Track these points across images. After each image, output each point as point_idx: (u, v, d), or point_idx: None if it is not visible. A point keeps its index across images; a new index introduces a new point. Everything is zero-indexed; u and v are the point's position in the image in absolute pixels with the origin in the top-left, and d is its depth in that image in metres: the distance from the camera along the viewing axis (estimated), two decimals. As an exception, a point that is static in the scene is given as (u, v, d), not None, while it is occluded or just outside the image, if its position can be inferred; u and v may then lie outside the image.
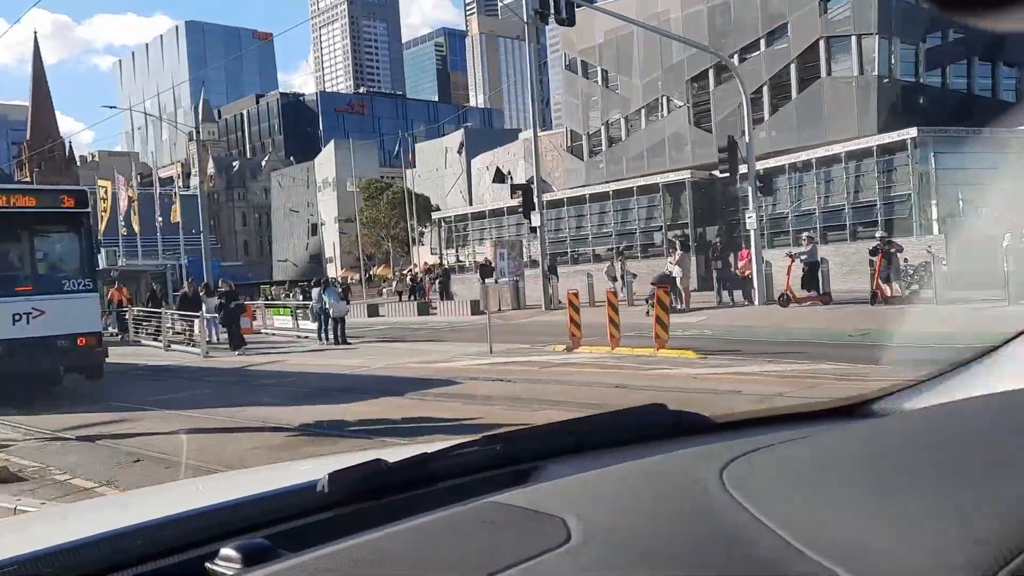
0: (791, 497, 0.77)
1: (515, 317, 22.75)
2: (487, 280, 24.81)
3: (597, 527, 0.81)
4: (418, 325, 23.05)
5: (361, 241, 56.99)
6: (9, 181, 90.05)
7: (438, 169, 73.09)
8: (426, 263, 56.33)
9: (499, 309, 25.47)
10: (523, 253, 29.88)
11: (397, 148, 59.99)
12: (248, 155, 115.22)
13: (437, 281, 29.41)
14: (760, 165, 26.92)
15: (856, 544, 0.65)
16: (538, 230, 23.68)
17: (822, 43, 30.04)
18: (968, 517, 0.62)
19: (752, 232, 18.01)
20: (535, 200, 23.61)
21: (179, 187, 47.13)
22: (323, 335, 18.71)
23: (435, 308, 27.66)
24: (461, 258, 37.76)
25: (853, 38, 29.06)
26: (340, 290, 19.53)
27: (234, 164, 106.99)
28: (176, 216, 43.66)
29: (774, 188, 24.91)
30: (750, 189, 18.21)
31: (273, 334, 22.32)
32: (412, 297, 31.75)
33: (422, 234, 59.21)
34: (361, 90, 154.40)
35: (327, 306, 18.09)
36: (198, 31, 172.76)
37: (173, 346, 19.28)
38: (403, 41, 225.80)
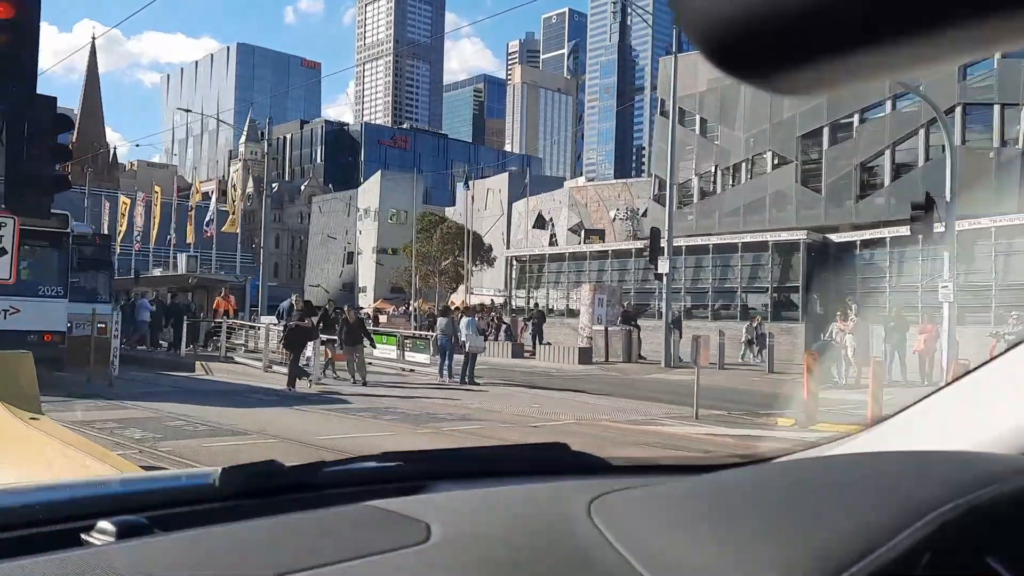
0: (647, 531, 0.83)
1: (632, 372, 20.56)
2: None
3: (456, 534, 0.87)
4: (526, 369, 20.84)
5: (415, 274, 55.05)
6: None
7: (479, 210, 71.69)
8: (476, 303, 54.78)
9: (606, 360, 23.38)
10: (621, 300, 27.81)
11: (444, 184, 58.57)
12: (288, 179, 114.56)
13: (531, 323, 27.29)
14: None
15: (690, 569, 0.73)
16: (664, 278, 21.61)
17: (959, 109, 28.22)
18: (783, 547, 0.71)
19: (946, 306, 15.84)
20: (663, 245, 21.58)
21: (217, 203, 46.10)
22: (444, 371, 16.56)
23: (529, 351, 25.52)
24: (533, 300, 35.70)
25: (996, 106, 27.23)
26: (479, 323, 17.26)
27: (274, 186, 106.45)
28: (236, 228, 42.26)
29: (974, 255, 22.61)
30: (946, 254, 16.11)
31: (369, 363, 20.19)
32: (502, 338, 29.58)
33: (471, 272, 57.54)
34: (405, 125, 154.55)
35: (463, 339, 15.95)
36: (249, 53, 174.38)
37: (274, 367, 17.18)
38: (443, 84, 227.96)
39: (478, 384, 15.85)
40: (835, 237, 28.52)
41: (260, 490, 1.12)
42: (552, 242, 54.91)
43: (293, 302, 19.44)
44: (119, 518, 0.92)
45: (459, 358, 16.49)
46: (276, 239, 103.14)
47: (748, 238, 29.57)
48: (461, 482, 1.21)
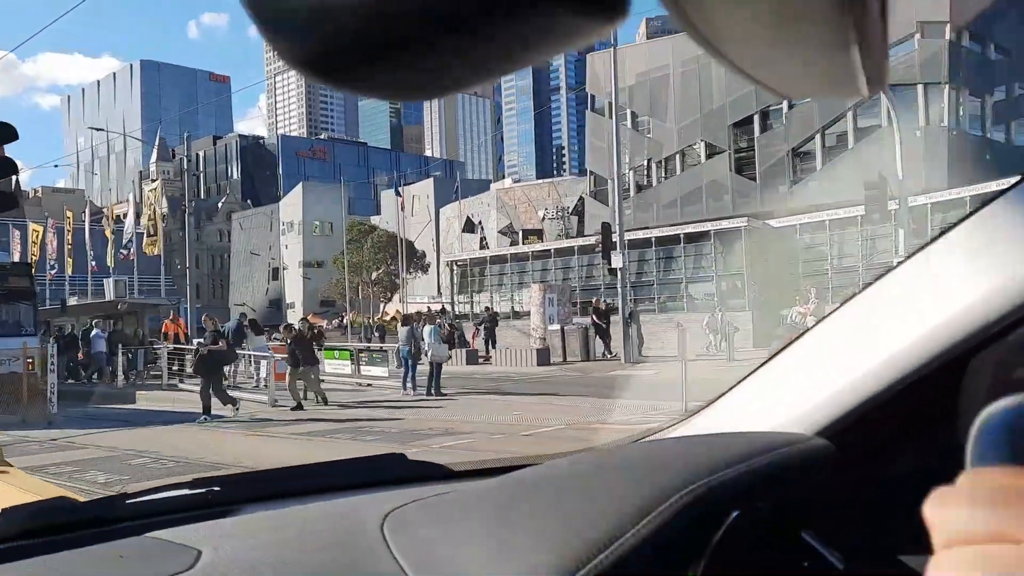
0: (428, 540, 0.83)
1: (594, 370, 20.20)
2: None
3: (228, 559, 0.84)
4: (485, 375, 20.28)
5: (348, 285, 53.80)
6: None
7: (406, 217, 70.86)
8: (402, 311, 53.82)
9: (564, 360, 22.99)
10: (571, 299, 27.51)
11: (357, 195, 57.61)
12: (204, 196, 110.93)
13: (483, 328, 26.69)
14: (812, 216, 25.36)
15: (465, 573, 0.73)
16: (619, 272, 21.35)
17: (883, 93, 28.86)
18: (534, 550, 0.72)
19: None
20: (615, 239, 21.33)
21: (135, 225, 44.16)
22: (408, 384, 15.83)
23: (483, 357, 24.95)
24: (481, 304, 35.10)
25: (919, 87, 27.95)
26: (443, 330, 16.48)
27: (191, 203, 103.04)
28: (157, 250, 40.48)
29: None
30: (901, 231, 16.23)
31: (321, 379, 19.29)
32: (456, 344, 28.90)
33: (405, 280, 56.72)
34: (323, 136, 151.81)
35: (425, 348, 15.23)
36: (153, 70, 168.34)
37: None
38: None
39: (445, 395, 15.20)
40: (774, 223, 28.84)
41: (47, 528, 1.03)
42: (483, 245, 54.48)
43: (242, 320, 18.45)
44: None
45: (422, 369, 15.82)
46: (196, 259, 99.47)
47: (690, 228, 29.65)
48: (273, 503, 1.15)
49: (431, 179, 79.08)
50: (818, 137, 30.46)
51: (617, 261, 21.19)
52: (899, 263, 0.96)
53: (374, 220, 70.66)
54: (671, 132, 34.85)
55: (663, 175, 36.08)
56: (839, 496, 0.86)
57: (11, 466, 5.48)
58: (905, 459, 0.92)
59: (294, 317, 63.24)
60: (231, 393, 14.14)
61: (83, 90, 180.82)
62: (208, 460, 9.03)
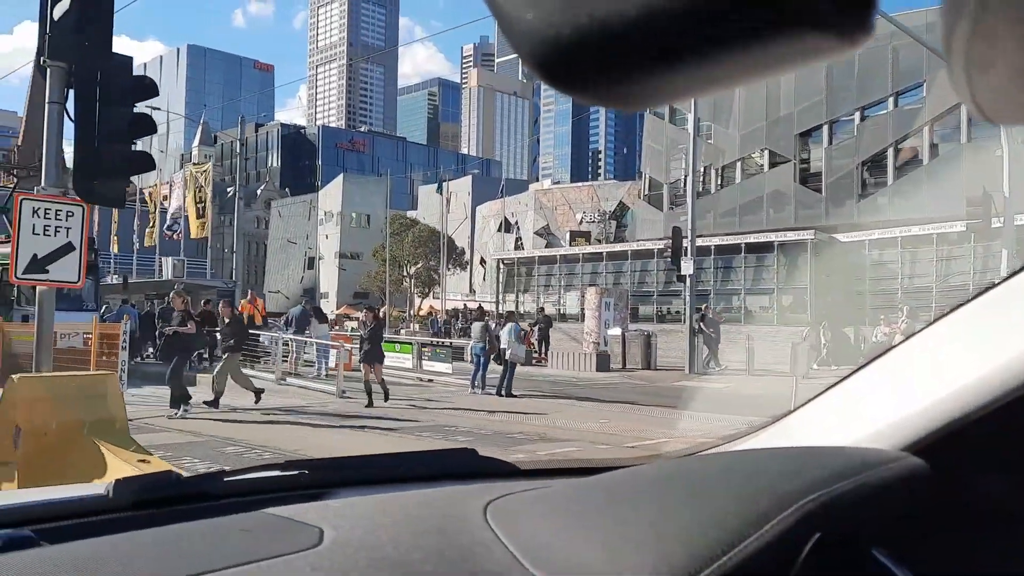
0: (537, 530, 0.87)
1: (660, 380, 19.53)
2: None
3: (349, 538, 0.89)
4: (544, 378, 19.69)
5: (388, 278, 53.52)
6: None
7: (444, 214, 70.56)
8: (438, 307, 53.42)
9: (624, 367, 22.35)
10: (628, 304, 26.87)
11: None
12: (244, 182, 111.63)
13: (537, 329, 26.10)
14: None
15: (584, 567, 0.76)
16: (687, 279, 20.67)
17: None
18: (659, 544, 0.75)
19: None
20: (685, 245, 20.66)
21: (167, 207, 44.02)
22: (477, 382, 15.31)
23: (538, 358, 24.37)
24: (537, 305, 34.52)
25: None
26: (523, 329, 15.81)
27: (229, 190, 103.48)
28: (205, 232, 40.35)
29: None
30: (1004, 251, 15.40)
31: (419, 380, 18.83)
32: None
33: (444, 276, 56.37)
34: (363, 128, 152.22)
35: (503, 347, 14.69)
36: (199, 55, 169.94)
37: (288, 379, 15.76)
38: (397, 87, 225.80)
39: (515, 395, 14.64)
40: (842, 237, 27.98)
41: (155, 501, 1.10)
42: (518, 245, 53.98)
43: (307, 307, 18.01)
44: (5, 532, 0.92)
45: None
46: (233, 244, 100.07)
47: (752, 239, 28.88)
48: (363, 488, 1.20)
49: (469, 176, 78.73)
50: (891, 151, 29.49)
51: (687, 268, 20.52)
52: (997, 283, 0.93)
53: (411, 214, 70.44)
54: (733, 139, 34.02)
55: (721, 183, 35.25)
56: (915, 514, 0.87)
57: (151, 455, 4.98)
58: (987, 481, 0.91)
59: (328, 307, 63.31)
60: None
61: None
62: (290, 448, 8.59)
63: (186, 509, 1.09)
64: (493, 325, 16.29)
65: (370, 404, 12.83)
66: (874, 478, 0.83)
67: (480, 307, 41.38)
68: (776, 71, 0.33)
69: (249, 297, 19.11)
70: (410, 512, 1.00)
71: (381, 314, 14.38)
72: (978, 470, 0.93)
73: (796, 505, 0.74)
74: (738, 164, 34.19)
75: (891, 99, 29.36)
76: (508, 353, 14.66)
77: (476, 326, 15.84)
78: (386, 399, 13.16)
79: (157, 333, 12.83)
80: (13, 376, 5.35)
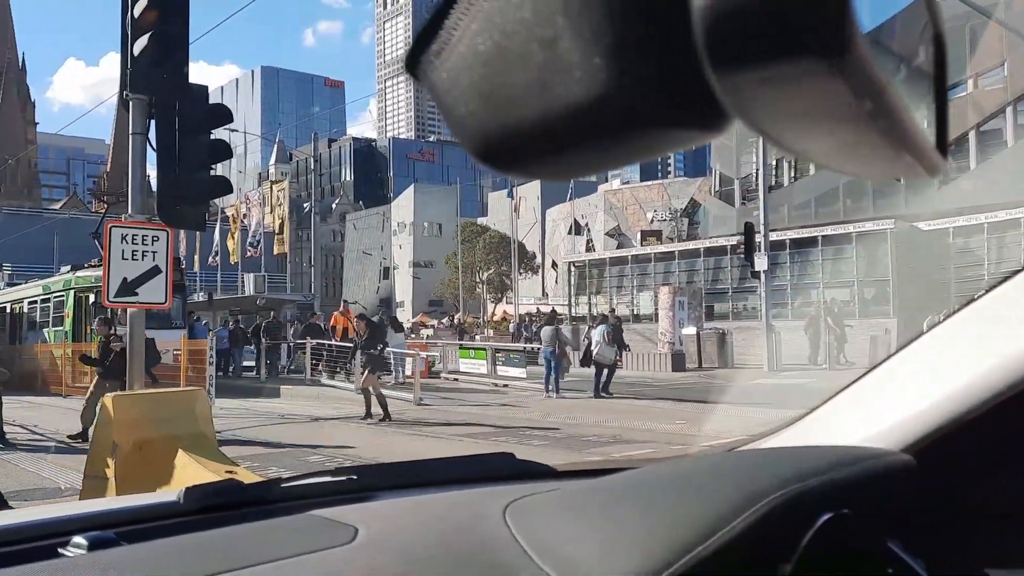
0: (548, 529, 0.92)
1: (741, 378, 19.24)
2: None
3: (379, 536, 0.99)
4: (618, 380, 19.58)
5: (462, 286, 54.05)
6: (86, 209, 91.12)
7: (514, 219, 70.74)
8: (511, 312, 53.63)
9: (700, 366, 22.10)
10: (702, 302, 26.55)
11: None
12: (319, 197, 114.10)
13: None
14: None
15: (583, 561, 0.82)
16: (763, 275, 20.29)
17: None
18: (646, 540, 0.81)
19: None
20: (759, 240, 20.28)
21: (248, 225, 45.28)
22: (550, 386, 15.37)
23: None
24: (608, 306, 34.40)
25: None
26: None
27: (305, 205, 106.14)
28: (285, 248, 41.51)
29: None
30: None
31: (456, 379, 19.09)
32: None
33: (516, 281, 56.57)
34: (432, 138, 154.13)
35: (592, 349, 14.79)
36: (273, 76, 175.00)
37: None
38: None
39: (610, 395, 14.71)
40: (923, 225, 27.02)
41: (220, 506, 1.22)
42: (589, 247, 53.74)
43: (383, 317, 18.38)
44: (91, 533, 1.04)
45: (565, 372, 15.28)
46: (310, 257, 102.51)
47: (828, 230, 28.15)
48: (404, 491, 1.28)
49: (538, 181, 78.53)
50: (972, 134, 28.37)
51: (761, 263, 20.14)
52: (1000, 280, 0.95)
53: (481, 221, 70.97)
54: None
55: (795, 175, 34.46)
56: (925, 510, 0.91)
57: (237, 466, 5.21)
58: (994, 478, 0.95)
59: (403, 316, 64.32)
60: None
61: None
62: (369, 455, 8.80)
63: (245, 512, 1.20)
64: (564, 329, 16.43)
65: (368, 415, 12.45)
66: (848, 473, 0.86)
67: (553, 311, 41.34)
68: (654, 155, 0.43)
69: (342, 309, 19.23)
70: (439, 512, 1.09)
71: (380, 319, 14.43)
72: (981, 469, 0.95)
73: (767, 499, 0.78)
74: (812, 155, 33.38)
75: (971, 80, 28.24)
76: (595, 353, 14.80)
77: (546, 330, 15.92)
78: (385, 417, 12.23)
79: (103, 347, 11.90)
80: (109, 394, 5.68)
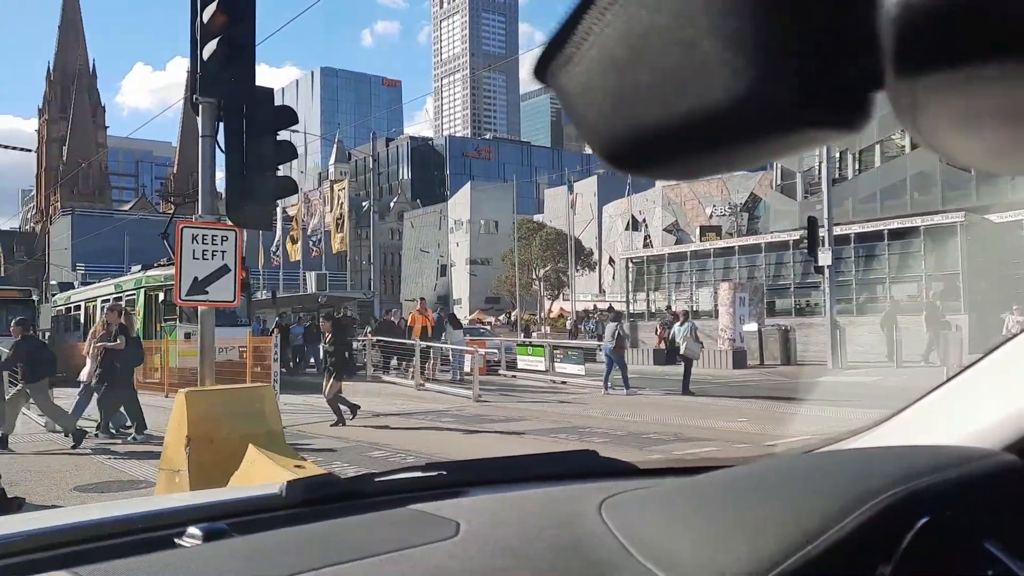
0: (646, 525, 0.94)
1: (803, 376, 18.88)
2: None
3: (480, 531, 1.01)
4: (678, 377, 19.38)
5: (518, 282, 54.14)
6: (155, 210, 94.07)
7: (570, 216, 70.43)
8: (569, 309, 53.50)
9: (762, 363, 21.75)
10: (764, 298, 26.10)
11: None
12: (377, 196, 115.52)
13: (665, 327, 25.75)
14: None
15: (685, 557, 0.84)
16: (826, 270, 19.87)
17: None
18: (752, 538, 0.82)
19: None
20: (822, 234, 19.86)
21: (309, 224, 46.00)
22: (610, 384, 15.31)
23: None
24: (667, 304, 34.05)
25: None
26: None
27: (364, 204, 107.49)
28: (345, 246, 42.18)
29: None
30: None
31: (514, 376, 19.15)
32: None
33: (573, 278, 56.41)
34: (488, 136, 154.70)
35: (678, 343, 14.97)
36: (332, 76, 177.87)
37: (427, 385, 16.28)
38: (519, 93, 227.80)
39: (693, 393, 14.72)
40: (995, 217, 26.10)
41: (320, 499, 1.26)
42: (646, 243, 53.24)
43: (442, 314, 18.54)
44: (205, 524, 1.09)
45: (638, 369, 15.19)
46: (369, 255, 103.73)
47: (895, 224, 27.39)
48: (494, 487, 1.31)
49: (594, 177, 78.24)
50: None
51: (825, 258, 19.73)
52: None
53: (537, 218, 70.93)
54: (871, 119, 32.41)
55: (859, 167, 33.61)
56: (1012, 511, 0.90)
57: (306, 460, 5.31)
58: None
59: (461, 313, 64.78)
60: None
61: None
62: (431, 452, 8.88)
63: (344, 506, 1.24)
64: (627, 325, 16.45)
65: (339, 422, 11.46)
66: (958, 474, 0.85)
67: (611, 307, 41.06)
68: (790, 154, 0.43)
69: (420, 308, 18.98)
70: (534, 508, 1.11)
71: (350, 318, 14.31)
72: None
73: (877, 499, 0.78)
74: (876, 147, 32.51)
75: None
76: (683, 348, 15.03)
77: (609, 327, 15.94)
78: (344, 419, 11.52)
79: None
80: (181, 390, 5.86)
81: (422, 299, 21.16)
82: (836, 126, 0.40)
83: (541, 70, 0.45)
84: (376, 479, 1.35)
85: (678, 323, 16.31)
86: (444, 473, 1.36)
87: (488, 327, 42.89)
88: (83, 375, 11.33)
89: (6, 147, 47.86)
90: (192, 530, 1.07)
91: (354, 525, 1.11)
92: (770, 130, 0.40)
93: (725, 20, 0.38)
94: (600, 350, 15.99)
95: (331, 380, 11.69)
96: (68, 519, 1.20)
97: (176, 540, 1.07)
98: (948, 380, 1.12)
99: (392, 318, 21.74)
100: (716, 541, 0.84)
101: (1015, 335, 1.04)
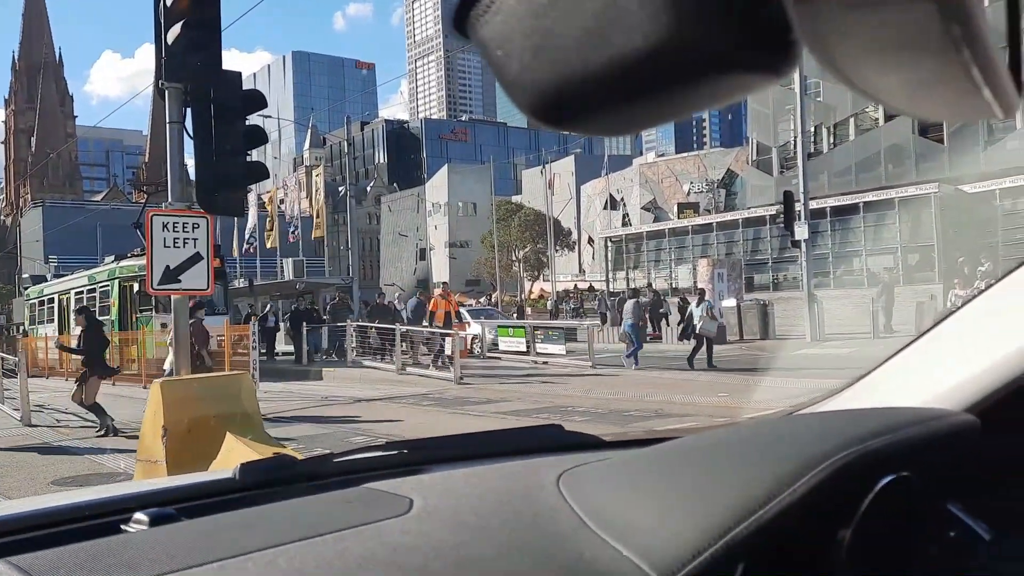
0: (600, 496, 0.94)
1: (784, 348, 19.03)
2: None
3: (435, 506, 1.00)
4: (659, 354, 19.51)
5: (498, 264, 54.07)
6: (127, 200, 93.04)
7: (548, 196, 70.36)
8: (548, 290, 53.60)
9: (741, 338, 21.87)
10: (742, 274, 26.25)
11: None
12: (353, 181, 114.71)
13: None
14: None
15: (640, 527, 0.84)
16: (803, 244, 19.97)
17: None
18: (704, 505, 0.82)
19: None
20: (798, 208, 19.94)
21: (285, 211, 45.68)
22: (631, 358, 15.69)
23: (652, 335, 24.14)
24: (645, 281, 34.19)
25: None
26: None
27: (340, 189, 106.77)
28: (322, 233, 41.89)
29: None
30: None
31: (495, 358, 19.13)
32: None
33: (553, 258, 56.43)
34: (464, 117, 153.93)
35: (696, 323, 15.35)
36: (304, 60, 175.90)
37: (407, 369, 16.25)
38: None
39: (716, 367, 14.98)
40: (968, 188, 26.39)
41: (275, 481, 1.24)
42: (625, 222, 53.36)
43: (419, 298, 18.47)
44: (152, 510, 1.07)
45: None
46: (347, 241, 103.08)
47: (870, 197, 27.64)
48: (454, 464, 1.28)
49: (572, 157, 78.14)
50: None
51: (801, 232, 19.81)
52: None
53: (515, 199, 70.78)
54: (844, 95, 32.55)
55: (834, 141, 33.80)
56: (985, 471, 0.90)
57: (284, 447, 5.27)
58: None
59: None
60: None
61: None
62: (412, 435, 8.86)
63: (301, 487, 1.22)
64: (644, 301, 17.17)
65: (105, 429, 10.03)
66: (915, 433, 0.85)
67: (591, 286, 41.02)
68: (717, 104, 0.42)
69: (442, 292, 18.06)
70: (492, 483, 1.10)
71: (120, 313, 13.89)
72: None
73: (829, 461, 0.78)
74: (851, 120, 32.71)
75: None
76: (700, 328, 15.29)
77: (628, 304, 16.42)
78: (106, 429, 10.01)
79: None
80: (156, 380, 5.79)
81: (444, 283, 20.96)
82: (759, 70, 0.39)
83: (460, 21, 0.43)
84: (335, 459, 1.33)
85: (694, 302, 16.67)
86: (404, 451, 1.35)
87: (497, 310, 42.77)
88: None
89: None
90: (139, 515, 1.06)
91: (307, 505, 1.09)
92: (693, 77, 0.39)
93: None
94: (622, 327, 16.51)
95: (89, 382, 10.38)
96: (15, 509, 1.17)
97: (122, 526, 1.06)
98: (907, 345, 1.12)
99: (383, 302, 21.58)
100: (670, 510, 0.83)
101: (974, 298, 1.05)
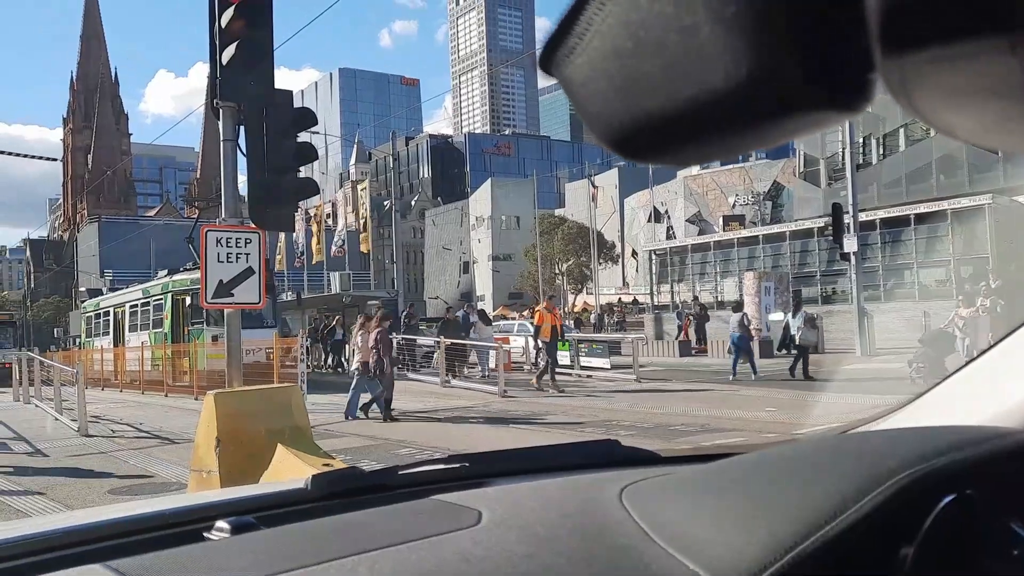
0: (666, 511, 0.95)
1: (835, 364, 18.69)
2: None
3: (503, 518, 1.02)
4: (704, 368, 19.31)
5: (541, 277, 54.10)
6: (179, 215, 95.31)
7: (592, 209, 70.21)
8: (592, 303, 53.47)
9: (788, 352, 21.55)
10: (789, 287, 25.89)
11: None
12: (399, 195, 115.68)
13: (693, 318, 25.69)
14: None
15: (705, 541, 0.84)
16: (852, 257, 19.65)
17: None
18: (768, 520, 0.83)
19: None
20: (847, 221, 19.64)
21: (331, 225, 46.20)
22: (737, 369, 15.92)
23: (696, 349, 23.96)
24: (692, 295, 33.88)
25: None
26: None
27: (385, 203, 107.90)
28: (368, 246, 42.34)
29: None
30: None
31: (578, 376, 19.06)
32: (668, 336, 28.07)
33: (596, 271, 56.30)
34: (507, 132, 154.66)
35: (793, 333, 15.42)
36: (350, 77, 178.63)
37: (452, 381, 16.31)
38: (538, 88, 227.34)
39: (812, 379, 14.83)
40: (1022, 199, 25.71)
41: (344, 492, 1.30)
42: (669, 235, 53.00)
43: (466, 311, 18.55)
44: (233, 518, 1.12)
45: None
46: (392, 254, 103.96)
47: (922, 208, 27.06)
48: (516, 477, 1.33)
49: (615, 169, 77.95)
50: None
51: (851, 245, 19.51)
52: None
53: (558, 212, 70.80)
54: (893, 105, 32.00)
55: (884, 152, 33.22)
56: None
57: (334, 458, 5.35)
58: None
59: (484, 308, 64.48)
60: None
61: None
62: (458, 448, 8.89)
63: (368, 498, 1.27)
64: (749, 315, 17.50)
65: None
66: (980, 452, 0.85)
67: (635, 299, 40.71)
68: (791, 137, 0.44)
69: (546, 305, 16.97)
70: (556, 496, 1.12)
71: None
72: None
73: (895, 479, 0.78)
74: (901, 131, 32.12)
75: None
76: (800, 338, 15.42)
77: (734, 317, 16.51)
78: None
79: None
80: (210, 392, 5.92)
81: (551, 297, 20.58)
82: (837, 108, 0.40)
83: (546, 62, 0.46)
84: (400, 472, 1.37)
85: (789, 314, 16.86)
86: (466, 465, 1.38)
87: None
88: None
89: (33, 157, 48.70)
90: (220, 523, 1.10)
91: (379, 516, 1.13)
92: (771, 114, 0.41)
93: (724, 5, 0.39)
94: (730, 339, 16.57)
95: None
96: (103, 516, 1.23)
97: (205, 534, 1.10)
98: (970, 362, 1.11)
99: (450, 316, 21.47)
100: (735, 525, 0.84)
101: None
